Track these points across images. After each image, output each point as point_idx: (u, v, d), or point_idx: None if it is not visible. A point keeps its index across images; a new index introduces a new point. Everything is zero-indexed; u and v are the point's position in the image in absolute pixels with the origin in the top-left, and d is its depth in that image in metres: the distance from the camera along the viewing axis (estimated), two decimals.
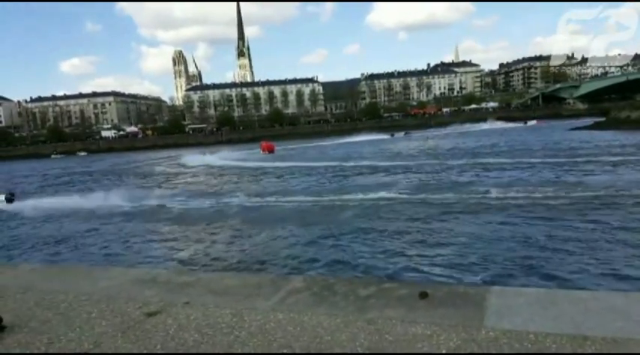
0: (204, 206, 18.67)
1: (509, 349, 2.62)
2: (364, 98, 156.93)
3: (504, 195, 15.73)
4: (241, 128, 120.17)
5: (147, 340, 3.08)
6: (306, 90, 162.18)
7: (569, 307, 3.10)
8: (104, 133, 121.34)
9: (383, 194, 17.91)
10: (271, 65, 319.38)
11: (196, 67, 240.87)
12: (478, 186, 18.25)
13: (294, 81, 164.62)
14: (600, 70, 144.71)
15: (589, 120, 62.31)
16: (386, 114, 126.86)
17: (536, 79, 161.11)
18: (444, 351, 2.65)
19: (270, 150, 55.64)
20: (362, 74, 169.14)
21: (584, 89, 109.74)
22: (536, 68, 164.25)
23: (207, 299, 3.74)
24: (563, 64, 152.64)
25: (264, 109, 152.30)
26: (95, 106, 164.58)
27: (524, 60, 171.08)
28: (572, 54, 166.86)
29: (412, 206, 15.23)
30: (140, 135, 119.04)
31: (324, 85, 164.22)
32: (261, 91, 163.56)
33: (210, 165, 43.45)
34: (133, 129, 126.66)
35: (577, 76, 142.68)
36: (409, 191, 18.48)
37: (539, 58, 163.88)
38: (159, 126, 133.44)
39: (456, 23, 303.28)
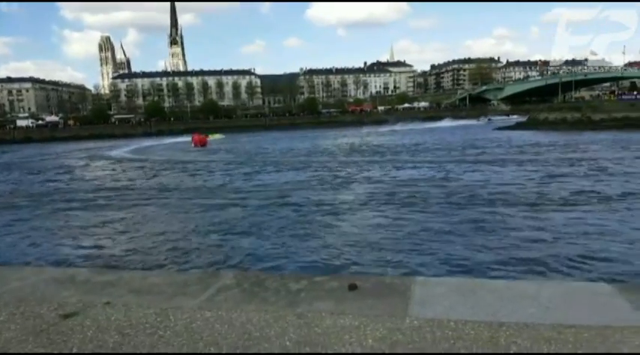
0: (125, 199, 18.16)
1: (432, 336, 2.72)
2: (303, 93, 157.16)
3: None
4: (172, 119, 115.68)
5: (62, 343, 2.89)
6: (243, 82, 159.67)
7: (487, 295, 3.28)
8: (20, 123, 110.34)
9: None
10: (206, 55, 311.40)
11: (125, 54, 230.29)
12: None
13: (231, 72, 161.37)
14: (522, 74, 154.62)
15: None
16: (324, 110, 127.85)
17: (464, 80, 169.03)
18: (370, 341, 2.71)
19: (203, 144, 53.84)
20: (301, 69, 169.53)
21: (507, 91, 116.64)
22: (464, 70, 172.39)
23: (130, 298, 3.57)
24: (489, 67, 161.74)
25: (198, 100, 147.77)
26: (10, 93, 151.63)
27: (454, 62, 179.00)
28: (498, 57, 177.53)
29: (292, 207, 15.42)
30: (61, 125, 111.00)
31: (262, 77, 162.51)
32: (195, 81, 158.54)
33: (127, 158, 41.86)
34: (53, 118, 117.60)
35: (501, 79, 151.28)
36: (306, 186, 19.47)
37: (468, 61, 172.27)
38: (82, 116, 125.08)
39: (394, 23, 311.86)
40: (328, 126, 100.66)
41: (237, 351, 2.70)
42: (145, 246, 11.03)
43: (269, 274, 4.25)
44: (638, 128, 45.18)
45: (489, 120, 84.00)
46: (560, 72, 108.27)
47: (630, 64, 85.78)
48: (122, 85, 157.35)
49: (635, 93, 62.58)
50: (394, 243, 10.21)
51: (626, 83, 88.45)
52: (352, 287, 3.44)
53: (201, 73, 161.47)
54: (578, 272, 7.87)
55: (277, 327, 2.94)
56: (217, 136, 75.06)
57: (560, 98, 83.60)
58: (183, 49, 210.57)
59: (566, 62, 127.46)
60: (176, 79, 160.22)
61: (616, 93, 75.86)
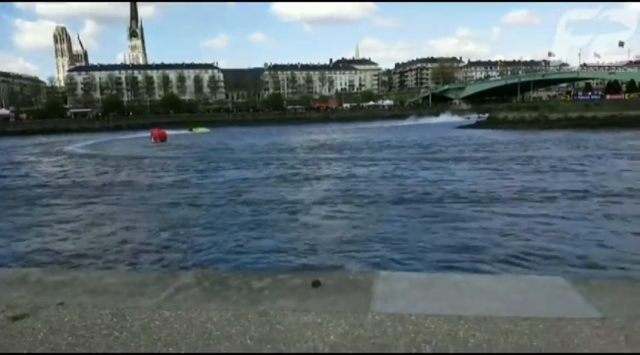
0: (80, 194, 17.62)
1: (393, 331, 2.75)
2: (267, 88, 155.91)
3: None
4: (131, 114, 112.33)
5: (10, 346, 2.75)
6: (206, 76, 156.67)
7: (447, 289, 3.35)
8: None
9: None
10: (168, 49, 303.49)
11: (82, 46, 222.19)
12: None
13: (193, 66, 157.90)
14: (483, 74, 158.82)
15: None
16: (289, 106, 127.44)
17: (428, 79, 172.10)
18: (332, 337, 2.71)
19: (162, 139, 52.63)
20: (265, 64, 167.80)
21: (469, 91, 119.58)
22: (428, 69, 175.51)
23: (85, 299, 3.44)
24: (451, 66, 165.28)
25: (158, 95, 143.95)
26: None
27: (418, 61, 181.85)
28: (460, 57, 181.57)
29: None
30: (12, 119, 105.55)
31: (226, 72, 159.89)
32: (155, 75, 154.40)
33: (81, 153, 40.61)
34: (3, 111, 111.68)
35: (463, 78, 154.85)
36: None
37: (432, 60, 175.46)
38: (36, 110, 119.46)
39: (359, 20, 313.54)
40: (293, 122, 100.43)
41: (197, 351, 2.65)
42: (97, 245, 10.62)
43: (231, 272, 4.18)
44: (592, 127, 47.24)
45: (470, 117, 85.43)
46: (520, 72, 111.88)
47: (586, 66, 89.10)
48: (79, 78, 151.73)
49: (589, 93, 65.48)
50: (351, 239, 10.28)
51: (582, 84, 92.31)
52: (316, 284, 3.44)
53: (162, 66, 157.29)
54: (524, 266, 8.15)
55: (238, 326, 2.90)
56: (202, 130, 76.67)
57: (519, 98, 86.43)
58: (143, 41, 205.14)
59: (525, 63, 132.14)
60: (135, 72, 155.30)
61: (572, 93, 78.97)
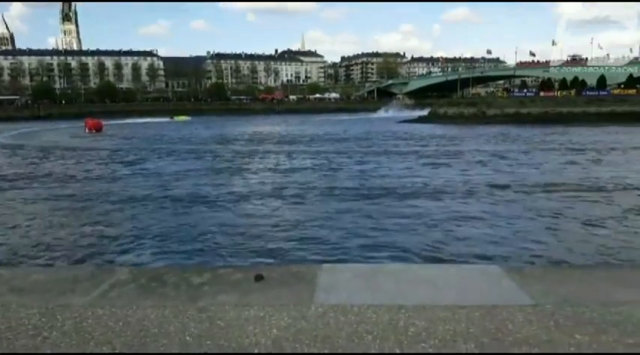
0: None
1: (335, 322, 2.77)
2: (210, 78, 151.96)
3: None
4: (64, 102, 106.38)
5: None
6: (144, 64, 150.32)
7: (388, 279, 3.41)
8: None
9: None
10: (104, 34, 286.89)
11: (7, 29, 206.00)
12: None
13: (131, 53, 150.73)
14: (426, 70, 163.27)
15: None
16: (233, 97, 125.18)
17: (372, 73, 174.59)
18: (274, 331, 2.69)
19: (98, 129, 50.30)
20: (208, 52, 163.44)
21: (412, 86, 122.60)
22: (373, 64, 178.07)
23: (10, 298, 3.21)
24: (395, 61, 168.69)
25: (94, 82, 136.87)
26: None
27: (363, 55, 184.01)
28: (404, 53, 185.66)
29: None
30: None
31: (166, 60, 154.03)
32: (90, 62, 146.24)
33: (4, 143, 38.15)
34: None
35: (407, 74, 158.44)
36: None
37: (376, 55, 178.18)
38: None
39: (305, 12, 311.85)
40: (238, 113, 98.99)
41: (133, 350, 2.56)
42: (16, 241, 9.94)
43: (168, 268, 4.05)
44: (527, 123, 49.97)
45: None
46: (460, 69, 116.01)
47: (521, 64, 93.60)
48: (5, 63, 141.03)
49: (525, 90, 68.77)
50: (284, 232, 10.22)
51: (518, 81, 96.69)
52: (258, 278, 3.39)
53: (98, 52, 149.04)
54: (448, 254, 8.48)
55: (177, 323, 2.82)
56: (183, 118, 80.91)
57: (458, 94, 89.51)
58: (77, 26, 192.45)
59: (465, 60, 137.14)
60: (69, 58, 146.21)
61: (508, 90, 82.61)
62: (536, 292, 3.15)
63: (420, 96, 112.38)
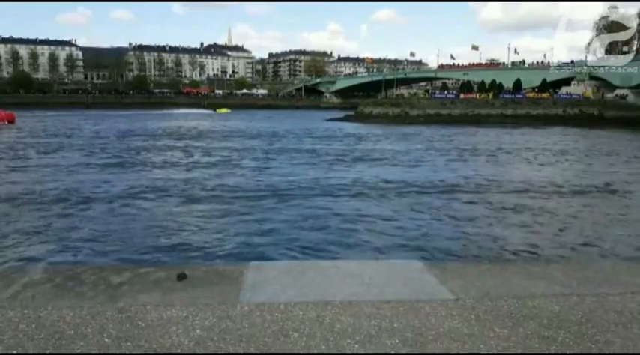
0: None
1: (261, 321, 2.74)
2: (132, 70, 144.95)
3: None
4: None
5: None
6: (62, 54, 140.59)
7: (315, 276, 3.43)
8: None
9: None
10: (18, 22, 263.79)
11: None
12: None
13: (48, 42, 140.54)
14: (352, 70, 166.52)
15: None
16: (157, 90, 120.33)
17: (300, 71, 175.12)
18: (198, 331, 2.62)
19: (10, 120, 47.29)
20: (130, 44, 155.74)
21: (339, 85, 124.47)
22: (300, 61, 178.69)
23: None
24: (322, 60, 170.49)
25: (7, 72, 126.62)
26: None
27: (290, 52, 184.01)
28: (331, 52, 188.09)
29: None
30: None
31: (85, 50, 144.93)
32: (3, 50, 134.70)
33: None
34: None
35: (334, 73, 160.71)
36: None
37: (304, 53, 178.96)
38: None
39: (233, 5, 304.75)
40: (161, 107, 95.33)
41: (47, 352, 2.42)
42: None
43: (86, 267, 3.81)
44: (447, 123, 52.53)
45: None
46: (385, 70, 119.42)
47: (442, 66, 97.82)
48: None
49: (445, 92, 71.72)
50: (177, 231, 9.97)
51: (439, 83, 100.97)
52: (181, 277, 3.29)
53: (11, 40, 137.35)
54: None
55: (95, 324, 2.70)
56: (224, 110, 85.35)
57: (383, 94, 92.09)
58: None
59: (390, 61, 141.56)
60: None
61: (430, 91, 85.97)
62: (457, 287, 3.28)
63: (346, 96, 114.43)
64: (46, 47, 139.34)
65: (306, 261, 5.18)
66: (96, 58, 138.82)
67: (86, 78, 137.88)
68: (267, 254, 8.35)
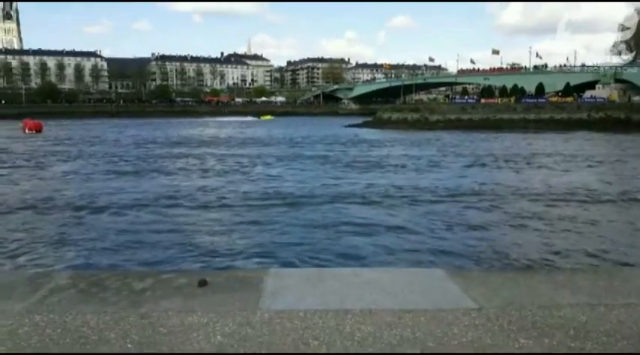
0: None
1: (281, 328, 2.73)
2: (154, 79, 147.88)
3: None
4: (3, 102, 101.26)
5: None
6: (88, 64, 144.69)
7: (335, 284, 3.40)
8: None
9: None
10: (46, 34, 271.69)
11: None
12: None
13: (74, 53, 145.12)
14: (370, 76, 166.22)
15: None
16: (179, 99, 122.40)
17: (318, 78, 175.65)
18: (219, 337, 2.62)
19: (38, 129, 49.03)
20: (153, 54, 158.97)
21: (357, 91, 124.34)
22: (318, 69, 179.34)
23: None
24: (340, 67, 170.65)
25: (35, 82, 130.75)
26: None
27: (308, 60, 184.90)
28: (348, 59, 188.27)
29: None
30: None
31: (110, 61, 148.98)
32: (32, 61, 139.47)
33: None
34: None
35: (351, 79, 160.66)
36: None
37: (322, 60, 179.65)
38: None
39: (252, 15, 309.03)
40: (183, 115, 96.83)
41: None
42: None
43: (110, 272, 3.87)
44: (468, 128, 51.90)
45: None
46: (403, 76, 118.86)
47: (462, 71, 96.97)
48: None
49: (466, 97, 71.09)
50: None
51: (459, 88, 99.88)
52: (202, 283, 3.30)
53: (40, 52, 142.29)
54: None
55: (118, 329, 2.73)
56: (268, 117, 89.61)
57: (402, 100, 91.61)
58: (18, 25, 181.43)
59: (408, 66, 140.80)
60: (9, 57, 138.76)
61: (450, 96, 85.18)
62: (480, 296, 3.20)
63: (364, 102, 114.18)
64: (72, 58, 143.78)
65: (325, 269, 5.14)
66: (120, 68, 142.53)
67: (110, 87, 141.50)
68: (283, 260, 8.42)
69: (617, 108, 58.00)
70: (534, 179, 19.00)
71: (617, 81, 66.02)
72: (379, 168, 22.54)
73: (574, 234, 10.44)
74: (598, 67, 71.55)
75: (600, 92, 65.70)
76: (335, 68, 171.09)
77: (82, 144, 36.06)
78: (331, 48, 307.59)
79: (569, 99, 63.86)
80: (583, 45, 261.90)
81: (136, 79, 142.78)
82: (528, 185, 17.21)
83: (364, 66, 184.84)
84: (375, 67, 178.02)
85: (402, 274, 3.98)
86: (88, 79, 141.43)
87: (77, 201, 14.04)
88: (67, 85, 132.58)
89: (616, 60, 73.88)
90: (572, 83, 67.99)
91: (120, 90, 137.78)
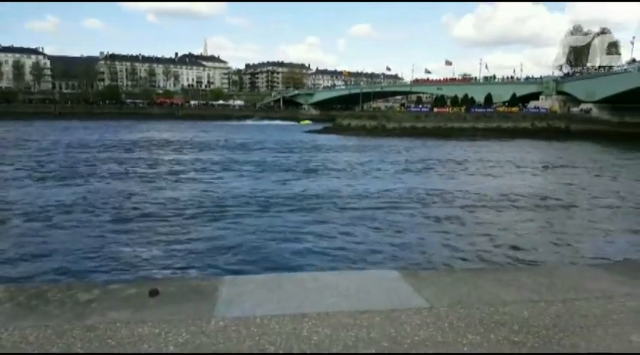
0: None
1: (237, 335, 2.68)
2: (103, 80, 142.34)
3: None
4: None
5: None
6: (28, 62, 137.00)
7: (293, 289, 3.39)
8: None
9: None
10: None
11: None
12: None
13: (12, 49, 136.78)
14: (330, 82, 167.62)
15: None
16: (129, 100, 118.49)
17: (278, 82, 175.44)
18: (171, 347, 2.54)
19: None
20: (102, 53, 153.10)
21: (317, 97, 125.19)
22: (278, 73, 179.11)
23: None
24: (300, 72, 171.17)
25: None
26: None
27: (268, 64, 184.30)
28: (309, 64, 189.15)
29: None
30: None
31: (54, 59, 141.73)
32: None
33: None
34: None
35: (312, 85, 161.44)
36: None
37: (282, 64, 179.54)
38: None
39: (209, 16, 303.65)
40: (133, 118, 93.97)
41: None
42: None
43: (52, 284, 3.65)
44: (422, 136, 53.32)
45: None
46: (362, 83, 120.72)
47: (417, 81, 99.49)
48: None
49: (420, 106, 72.80)
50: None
51: (414, 97, 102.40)
52: (153, 293, 3.19)
53: None
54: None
55: (61, 343, 2.59)
56: (307, 122, 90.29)
57: (360, 107, 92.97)
58: None
59: (367, 74, 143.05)
60: None
61: (405, 105, 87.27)
62: (431, 295, 3.31)
63: (325, 108, 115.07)
64: (10, 54, 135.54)
65: (284, 274, 5.10)
66: (65, 66, 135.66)
67: (54, 87, 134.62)
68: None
69: (558, 118, 61.35)
70: (468, 184, 20.02)
71: (559, 93, 69.67)
72: (323, 172, 23.35)
73: (489, 236, 11.10)
74: (542, 79, 75.30)
75: (543, 103, 69.13)
76: (295, 73, 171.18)
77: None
78: (292, 52, 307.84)
79: (514, 109, 66.79)
80: (529, 58, 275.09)
81: (82, 79, 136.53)
82: (459, 189, 18.10)
83: (324, 72, 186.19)
84: (336, 73, 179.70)
85: (358, 276, 4.03)
86: (28, 77, 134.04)
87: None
88: (5, 83, 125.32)
89: (558, 73, 78.10)
90: (518, 94, 71.25)
91: (65, 91, 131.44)
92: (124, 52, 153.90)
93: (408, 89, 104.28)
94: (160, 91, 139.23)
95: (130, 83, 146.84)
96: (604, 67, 71.26)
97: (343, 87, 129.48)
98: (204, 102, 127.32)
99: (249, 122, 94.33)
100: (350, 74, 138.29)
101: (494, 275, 4.02)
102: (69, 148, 34.92)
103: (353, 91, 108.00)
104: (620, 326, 2.89)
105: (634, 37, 66.28)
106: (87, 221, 12.24)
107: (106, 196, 15.77)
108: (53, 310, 2.98)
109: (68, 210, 13.46)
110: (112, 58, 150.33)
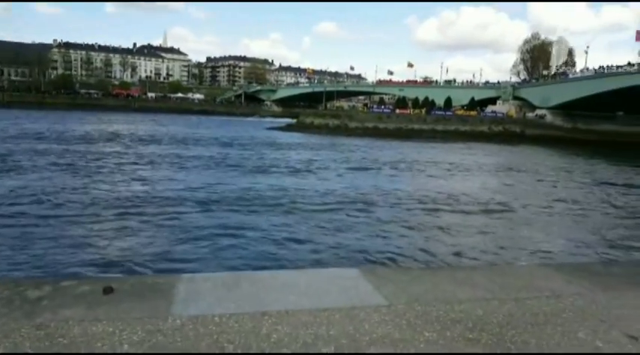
0: None
1: (194, 334, 2.64)
2: (56, 68, 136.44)
3: None
4: None
5: None
6: None
7: (252, 287, 3.37)
8: None
9: None
10: None
11: None
12: None
13: None
14: (294, 79, 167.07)
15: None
16: (83, 91, 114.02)
17: (240, 77, 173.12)
18: (126, 346, 2.47)
19: None
20: (55, 40, 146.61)
21: (280, 94, 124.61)
22: (240, 67, 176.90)
23: None
24: (263, 68, 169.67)
25: None
26: None
27: (230, 58, 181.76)
28: (272, 60, 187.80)
29: None
30: None
31: (1, 44, 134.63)
32: None
33: None
34: None
35: (275, 81, 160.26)
36: None
37: (244, 59, 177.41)
38: None
39: (170, 7, 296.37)
40: (88, 109, 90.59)
41: None
42: None
43: None
44: (383, 136, 53.99)
45: None
46: (325, 82, 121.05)
47: (380, 82, 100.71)
48: None
49: (382, 106, 73.62)
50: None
51: (377, 97, 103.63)
52: (107, 291, 3.10)
53: None
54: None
55: (7, 342, 2.47)
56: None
57: (324, 105, 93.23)
58: None
59: (330, 73, 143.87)
60: None
61: (368, 105, 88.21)
62: (390, 293, 3.37)
63: (287, 105, 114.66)
64: None
65: (243, 272, 5.08)
66: (14, 53, 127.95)
67: (2, 74, 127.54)
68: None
69: (514, 122, 63.51)
70: (419, 185, 20.24)
71: (516, 98, 72.19)
72: (275, 171, 23.22)
73: (430, 237, 11.33)
74: (500, 84, 77.89)
75: (500, 107, 71.36)
76: (258, 68, 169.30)
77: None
78: (255, 47, 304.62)
79: (473, 113, 68.60)
80: (489, 63, 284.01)
81: (34, 67, 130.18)
82: (407, 190, 18.41)
83: (288, 69, 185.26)
84: (299, 70, 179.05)
85: (319, 275, 4.05)
86: None
87: None
88: None
89: (515, 79, 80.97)
90: (476, 98, 73.31)
91: (13, 78, 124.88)
92: (79, 41, 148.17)
93: (371, 90, 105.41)
94: (117, 82, 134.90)
95: (84, 73, 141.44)
96: (559, 74, 74.38)
97: (307, 84, 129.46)
98: (162, 94, 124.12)
99: (209, 117, 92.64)
100: (314, 72, 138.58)
101: (450, 273, 4.14)
102: (7, 138, 33.13)
103: (317, 90, 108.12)
104: (568, 324, 3.02)
105: (588, 47, 69.57)
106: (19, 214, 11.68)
107: (37, 191, 14.87)
108: (0, 308, 2.85)
109: None
110: (67, 46, 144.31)
